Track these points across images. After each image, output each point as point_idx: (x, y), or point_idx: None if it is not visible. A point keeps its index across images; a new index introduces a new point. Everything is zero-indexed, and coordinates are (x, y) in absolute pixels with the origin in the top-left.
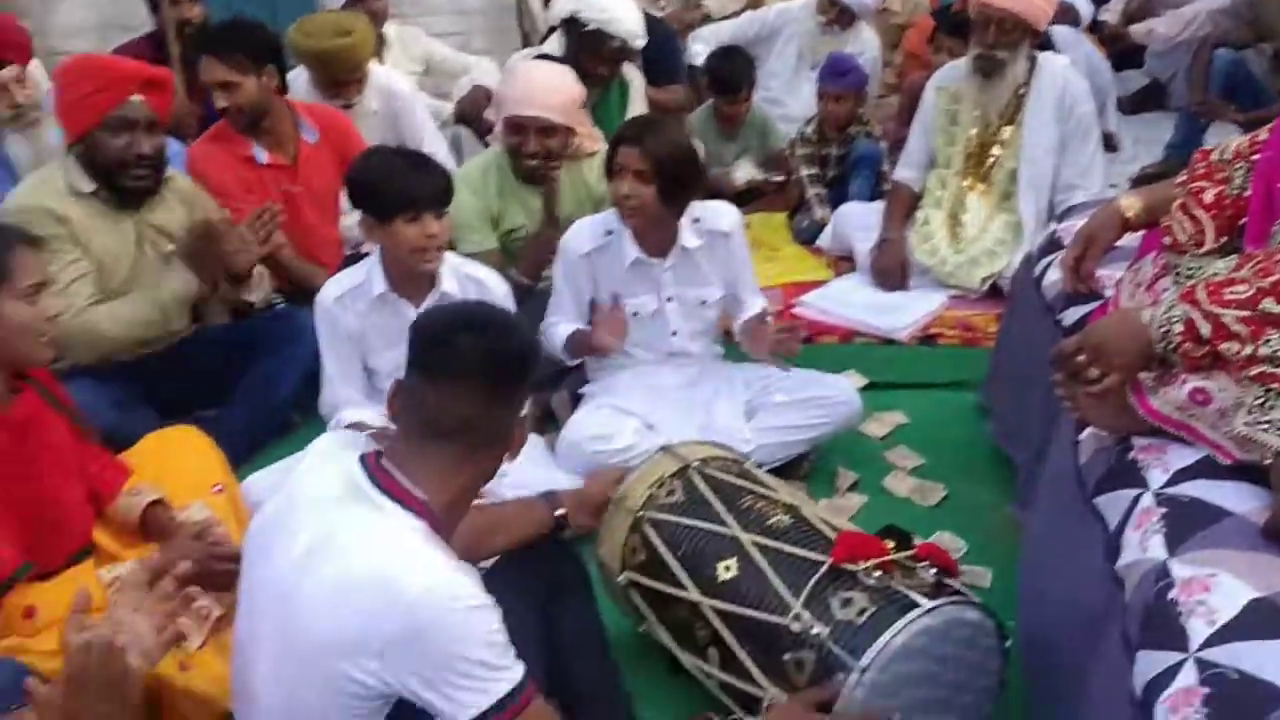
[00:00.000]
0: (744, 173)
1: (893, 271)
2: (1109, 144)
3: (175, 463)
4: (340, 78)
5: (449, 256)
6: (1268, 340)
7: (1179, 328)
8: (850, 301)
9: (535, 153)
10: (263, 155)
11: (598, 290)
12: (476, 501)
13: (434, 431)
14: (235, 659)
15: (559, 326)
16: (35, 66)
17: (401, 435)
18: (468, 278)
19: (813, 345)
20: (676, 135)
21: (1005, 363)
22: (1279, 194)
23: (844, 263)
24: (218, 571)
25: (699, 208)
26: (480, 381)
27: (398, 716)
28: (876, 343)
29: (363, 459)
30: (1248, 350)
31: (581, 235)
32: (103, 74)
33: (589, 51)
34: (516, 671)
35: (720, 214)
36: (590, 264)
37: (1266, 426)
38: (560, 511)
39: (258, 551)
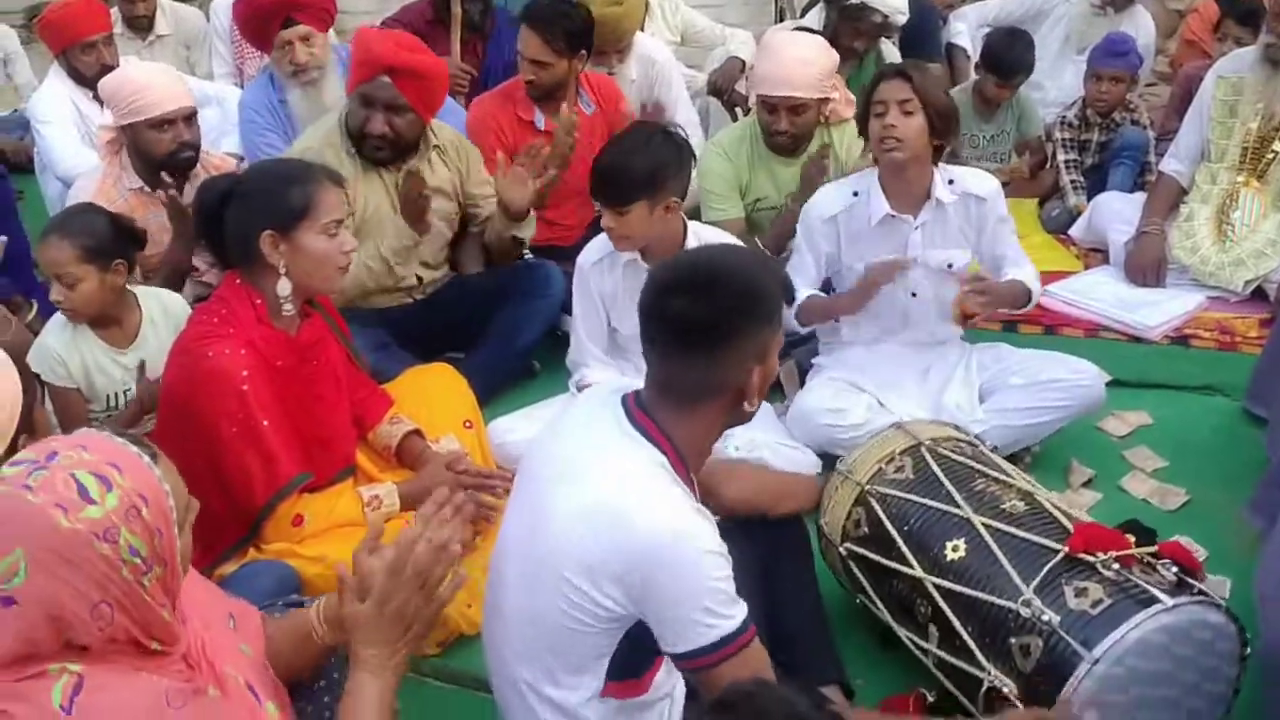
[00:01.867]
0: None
1: (1149, 267)
2: None
3: (431, 397)
4: (606, 46)
5: (695, 228)
6: None
7: None
8: (1099, 295)
9: (786, 131)
10: (542, 121)
11: (841, 253)
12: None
13: (664, 389)
14: (491, 571)
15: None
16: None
17: (648, 384)
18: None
19: (1055, 336)
20: (941, 83)
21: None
22: None
23: (1095, 255)
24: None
25: (953, 170)
26: (690, 345)
27: (633, 635)
28: (1124, 340)
29: (624, 398)
30: None
31: (828, 198)
32: (361, 50)
33: (849, 24)
34: (739, 615)
35: (977, 178)
36: (835, 226)
37: None
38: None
39: (525, 475)
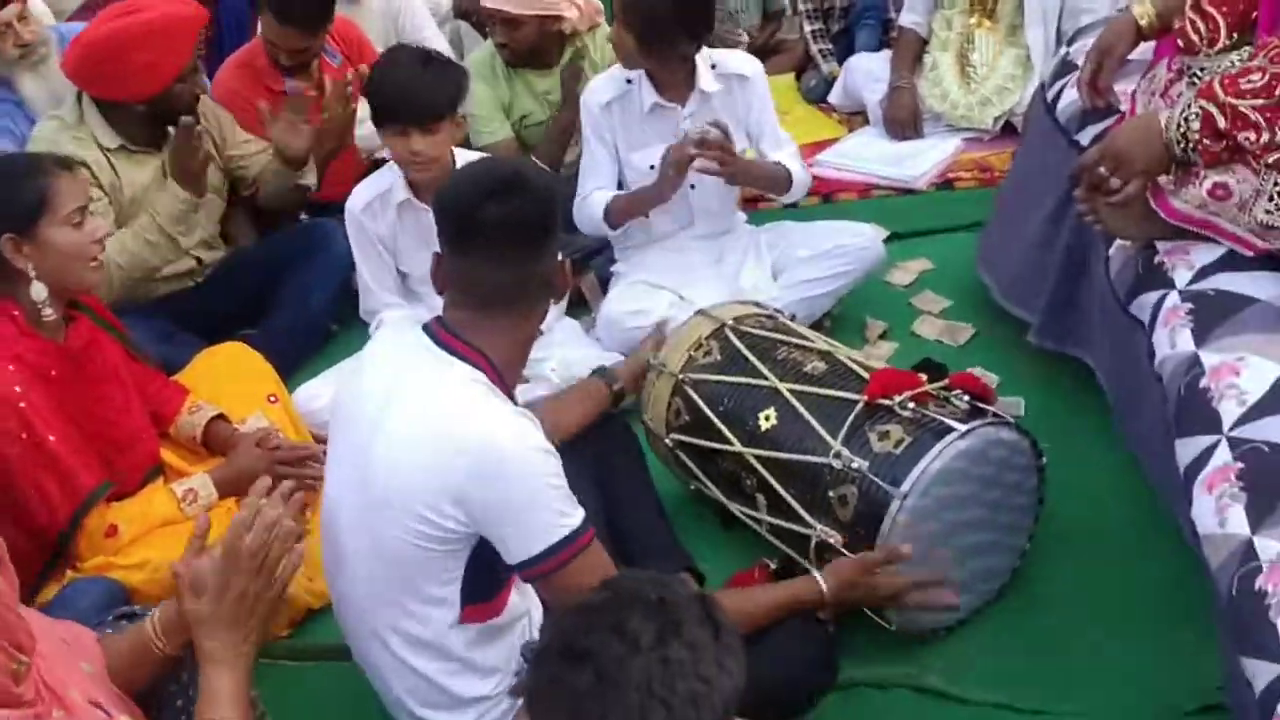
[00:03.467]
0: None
1: (905, 120)
2: None
3: (228, 379)
4: None
5: (462, 154)
6: None
7: (1196, 124)
8: (865, 156)
9: (504, 44)
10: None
11: (618, 143)
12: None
13: (478, 300)
14: (324, 532)
15: (594, 195)
16: (36, 2)
17: (450, 304)
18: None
19: (831, 203)
20: None
21: (1012, 206)
22: None
23: (857, 118)
24: (286, 475)
25: (716, 54)
26: (510, 247)
27: (480, 557)
28: (895, 194)
29: (426, 326)
30: (1265, 137)
31: (601, 87)
32: (164, 39)
33: None
34: (578, 515)
35: (740, 59)
36: (610, 115)
37: None
38: (617, 385)
39: (338, 424)
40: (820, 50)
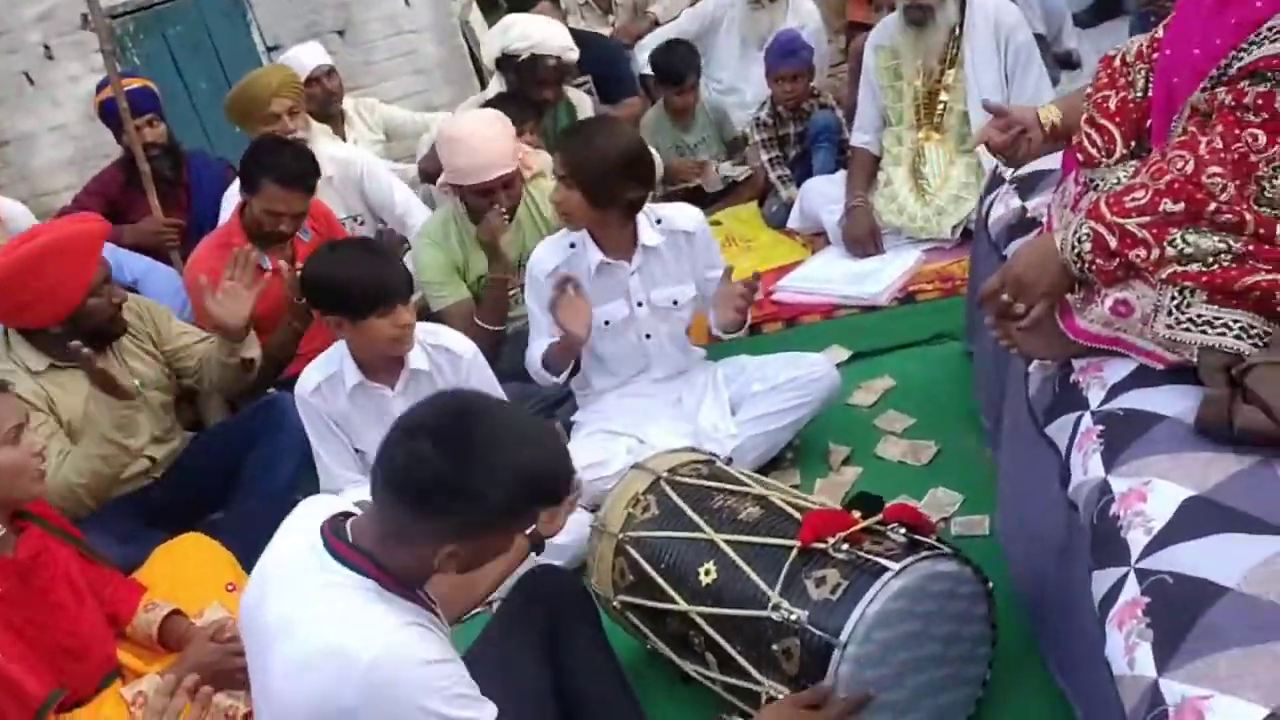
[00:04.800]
0: (722, 173)
1: (864, 238)
2: (1070, 62)
3: (186, 571)
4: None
5: (420, 327)
6: (1171, 240)
7: (1088, 245)
8: (828, 277)
9: (506, 209)
10: (267, 262)
11: None
12: None
13: (382, 528)
14: None
15: (532, 348)
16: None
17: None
18: (435, 348)
19: (797, 327)
20: (603, 139)
21: (973, 314)
22: (1178, 90)
23: (819, 239)
24: (237, 667)
25: (661, 209)
26: (413, 494)
27: None
28: (859, 312)
29: (322, 526)
30: (1155, 253)
31: (546, 255)
32: (64, 260)
33: (530, 80)
34: (487, 715)
35: (683, 213)
36: (559, 281)
37: (1188, 325)
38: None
39: (246, 634)
40: (779, 176)
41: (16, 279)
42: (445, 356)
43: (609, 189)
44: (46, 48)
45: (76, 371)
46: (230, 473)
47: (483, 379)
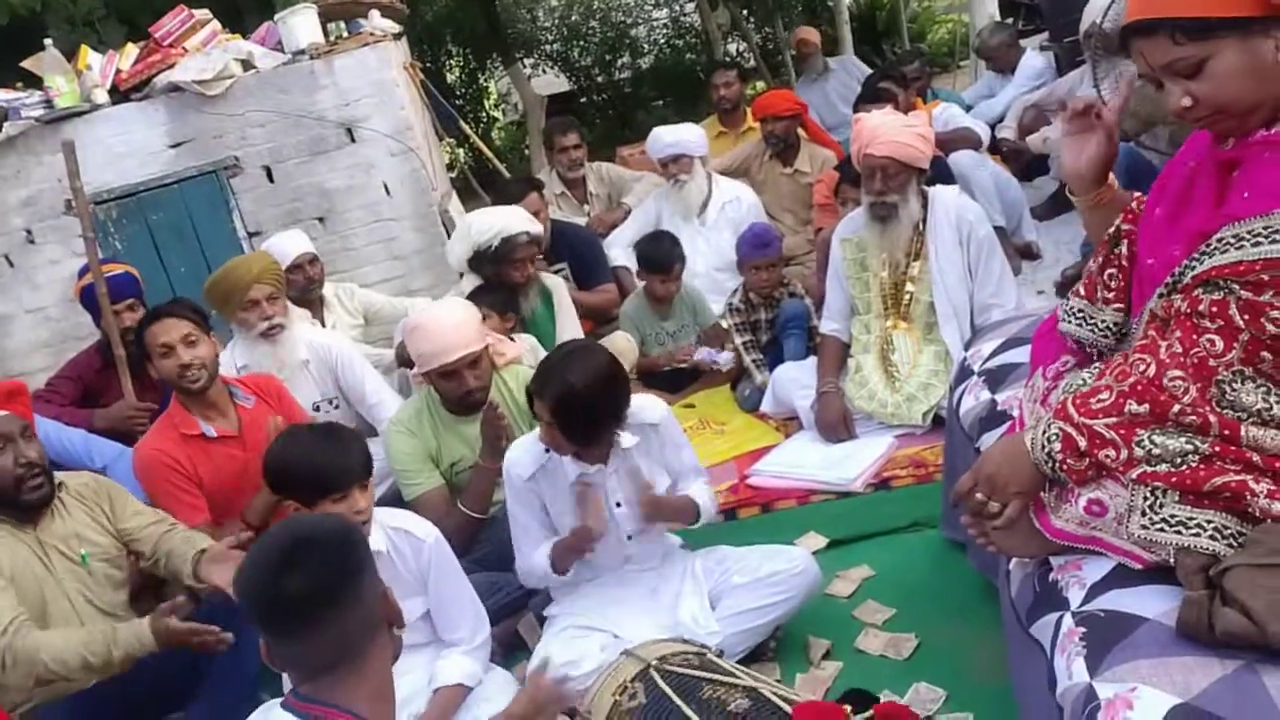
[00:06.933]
0: (710, 358)
1: (835, 423)
2: (1030, 254)
3: None
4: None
5: (375, 512)
6: (1139, 441)
7: (1057, 445)
8: (801, 462)
9: (473, 389)
10: (210, 429)
11: (547, 506)
12: None
13: (316, 668)
14: None
15: (534, 556)
16: None
17: (295, 680)
18: (395, 530)
19: (772, 512)
20: (576, 373)
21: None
22: (1145, 268)
23: (793, 423)
24: None
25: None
26: (324, 609)
27: None
28: (834, 498)
29: (283, 702)
30: (1124, 454)
31: (523, 460)
32: None
33: (504, 264)
34: None
35: (646, 407)
36: (536, 484)
37: (1162, 526)
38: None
39: None
40: (753, 361)
41: None
42: (405, 540)
43: (588, 429)
44: (28, 232)
45: (16, 529)
46: (191, 666)
47: (445, 565)
